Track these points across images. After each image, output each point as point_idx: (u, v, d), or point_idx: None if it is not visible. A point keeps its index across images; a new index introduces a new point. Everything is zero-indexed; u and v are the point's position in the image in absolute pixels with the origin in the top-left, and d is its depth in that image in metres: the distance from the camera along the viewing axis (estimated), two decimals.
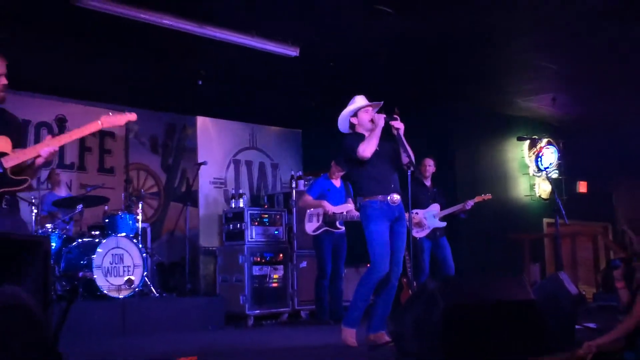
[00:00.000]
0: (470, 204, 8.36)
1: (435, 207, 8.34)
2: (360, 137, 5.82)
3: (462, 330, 4.18)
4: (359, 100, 6.05)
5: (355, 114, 5.98)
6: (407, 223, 6.01)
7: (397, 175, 6.05)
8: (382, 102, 5.98)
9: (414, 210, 7.84)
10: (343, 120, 6.09)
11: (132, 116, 4.32)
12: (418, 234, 8.25)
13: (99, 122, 4.15)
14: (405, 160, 5.74)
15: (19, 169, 3.90)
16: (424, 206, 8.28)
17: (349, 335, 5.72)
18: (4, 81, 3.94)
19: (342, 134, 6.12)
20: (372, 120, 5.82)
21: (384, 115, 5.81)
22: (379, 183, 5.85)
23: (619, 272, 5.34)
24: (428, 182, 8.50)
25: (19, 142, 4.08)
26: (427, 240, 8.29)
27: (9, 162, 3.84)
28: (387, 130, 6.09)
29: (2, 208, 3.84)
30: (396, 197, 5.79)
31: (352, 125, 6.04)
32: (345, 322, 5.84)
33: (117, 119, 4.24)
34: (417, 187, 8.13)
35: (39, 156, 3.89)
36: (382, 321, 5.95)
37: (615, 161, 12.74)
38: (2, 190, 3.81)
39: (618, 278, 5.29)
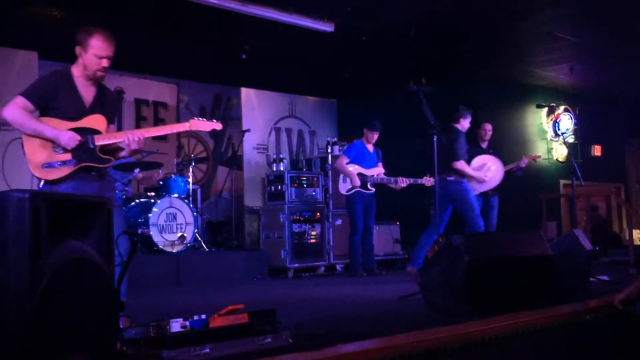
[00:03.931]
0: (524, 162, 8.31)
1: None
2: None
3: (484, 282, 4.18)
4: None
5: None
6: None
7: None
8: None
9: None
10: None
11: (218, 125, 4.24)
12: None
13: (188, 124, 4.13)
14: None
15: (108, 148, 3.93)
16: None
17: None
18: (106, 63, 3.88)
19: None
20: None
21: None
22: None
23: None
24: (485, 145, 8.38)
25: (113, 118, 4.11)
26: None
27: (99, 141, 3.86)
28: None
29: (91, 174, 3.89)
30: None
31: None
32: None
33: (204, 125, 4.17)
34: (475, 149, 8.03)
35: (123, 142, 3.88)
36: None
37: (628, 126, 12.52)
38: (88, 164, 3.84)
39: None
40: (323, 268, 9.17)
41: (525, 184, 10.36)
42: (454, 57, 9.32)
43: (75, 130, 3.80)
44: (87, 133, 3.84)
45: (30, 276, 2.26)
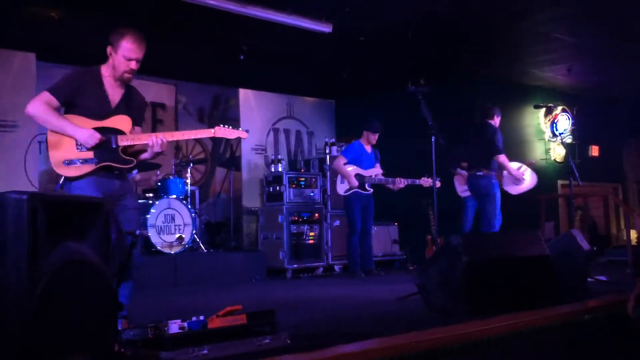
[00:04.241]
0: None
1: None
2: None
3: (483, 283, 4.18)
4: None
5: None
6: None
7: None
8: None
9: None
10: None
11: (243, 134, 4.25)
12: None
13: (213, 130, 4.13)
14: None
15: (131, 149, 3.93)
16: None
17: None
18: (134, 66, 3.91)
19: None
20: None
21: None
22: None
23: None
24: None
25: (139, 120, 4.11)
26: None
27: (123, 141, 3.87)
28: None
29: (113, 173, 3.90)
30: None
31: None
32: None
33: (229, 132, 4.18)
34: None
35: (146, 144, 3.90)
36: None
37: (625, 126, 12.53)
38: (110, 164, 3.84)
39: None
40: (321, 269, 9.17)
41: None
42: (453, 57, 9.31)
43: (99, 129, 3.80)
44: (111, 133, 3.85)
45: (30, 276, 2.26)
